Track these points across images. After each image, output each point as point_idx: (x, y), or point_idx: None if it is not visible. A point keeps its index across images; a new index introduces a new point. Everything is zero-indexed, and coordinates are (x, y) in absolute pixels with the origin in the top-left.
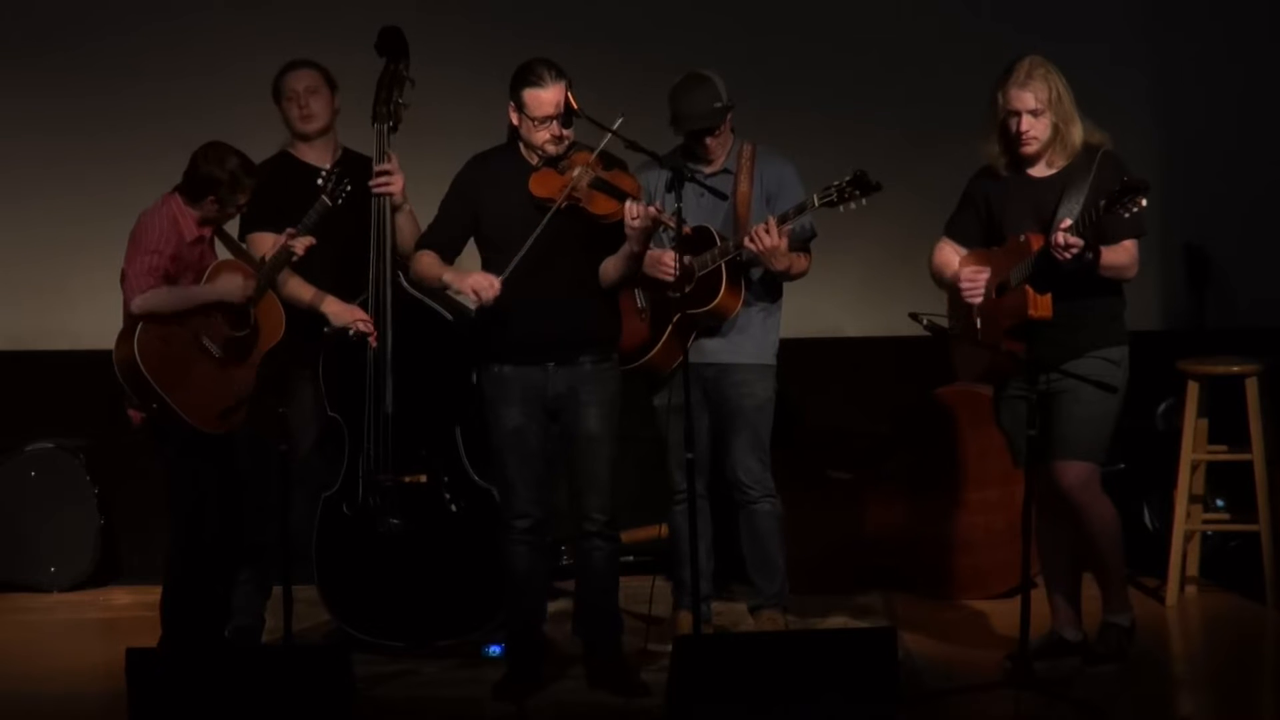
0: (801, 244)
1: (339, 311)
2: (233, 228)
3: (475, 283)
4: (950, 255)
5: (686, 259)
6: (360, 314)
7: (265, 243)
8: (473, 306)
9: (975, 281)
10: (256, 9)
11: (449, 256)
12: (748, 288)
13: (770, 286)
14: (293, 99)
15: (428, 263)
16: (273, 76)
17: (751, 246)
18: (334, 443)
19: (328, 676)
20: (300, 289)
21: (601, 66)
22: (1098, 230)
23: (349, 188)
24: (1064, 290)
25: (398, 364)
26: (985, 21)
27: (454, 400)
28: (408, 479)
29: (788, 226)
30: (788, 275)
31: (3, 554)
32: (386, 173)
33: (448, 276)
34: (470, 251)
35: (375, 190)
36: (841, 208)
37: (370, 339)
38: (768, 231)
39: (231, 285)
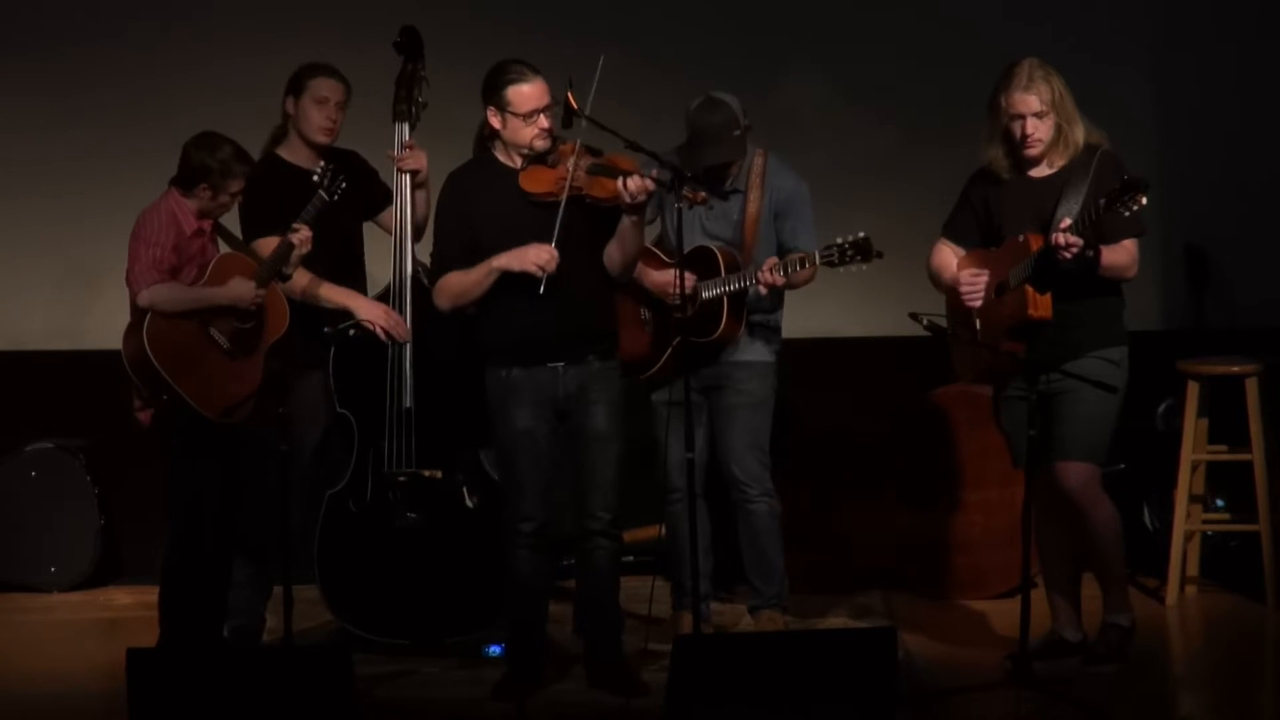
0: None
1: (363, 307)
2: (233, 223)
3: (536, 256)
4: (948, 257)
5: (691, 282)
6: (379, 310)
7: (270, 248)
8: (539, 278)
9: (974, 285)
10: (257, 3)
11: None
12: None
13: (769, 290)
14: (322, 104)
15: (457, 278)
16: (256, 68)
17: (763, 290)
18: (341, 440)
19: (328, 676)
20: (332, 291)
21: (602, 64)
22: (1098, 229)
23: (344, 184)
24: (1063, 290)
25: (416, 358)
26: (987, 22)
27: (473, 395)
28: (426, 473)
29: (786, 275)
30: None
31: (3, 554)
32: (409, 149)
33: (499, 262)
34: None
35: (402, 166)
36: (841, 269)
37: (379, 332)
38: (772, 272)
39: (241, 290)
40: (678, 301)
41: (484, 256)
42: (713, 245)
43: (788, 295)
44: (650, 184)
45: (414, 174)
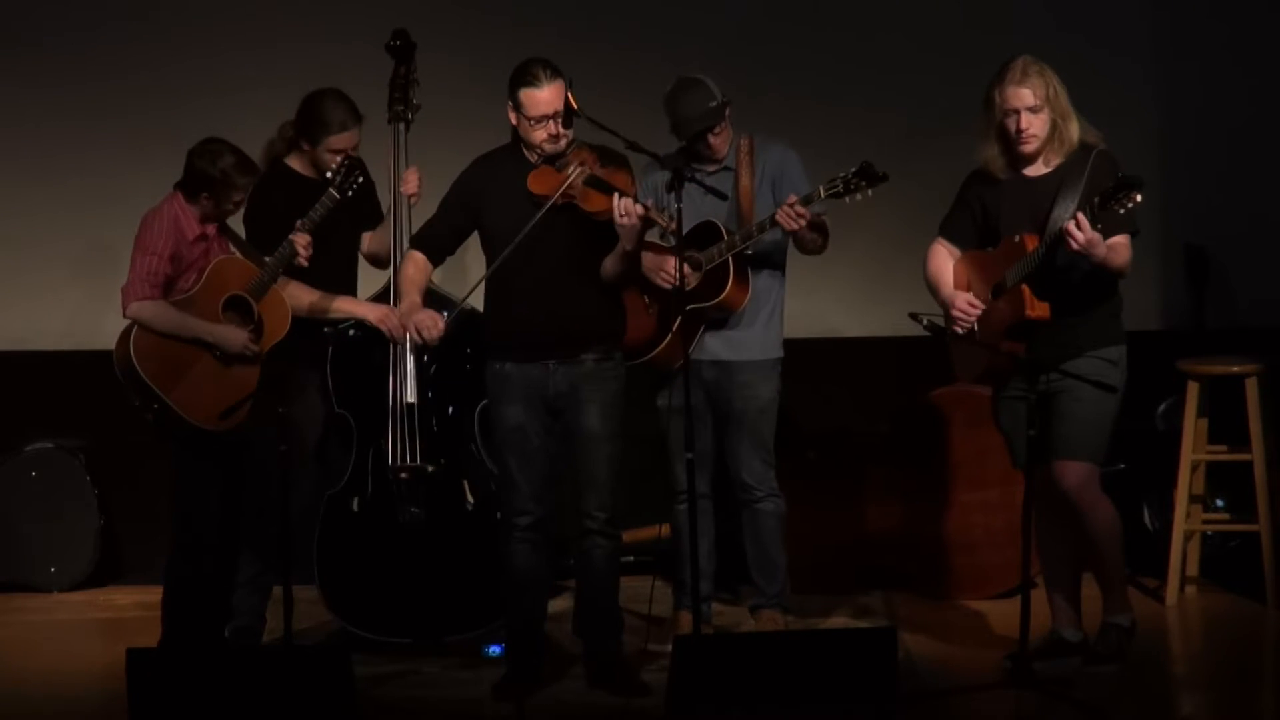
0: (814, 224)
1: (370, 312)
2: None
3: (419, 322)
4: (945, 262)
5: (692, 254)
6: (383, 311)
7: (291, 285)
8: (418, 343)
9: (967, 314)
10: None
11: (438, 257)
12: (752, 281)
13: (772, 283)
14: (337, 155)
15: (407, 274)
16: (260, 61)
17: (787, 223)
18: (340, 440)
19: (328, 676)
20: (342, 304)
21: (603, 62)
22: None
23: (360, 179)
24: (1061, 290)
25: (416, 354)
26: (988, 15)
27: (472, 391)
28: (430, 468)
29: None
30: (806, 249)
31: (3, 554)
32: (412, 173)
33: (403, 305)
34: (476, 255)
35: (404, 191)
36: (848, 199)
37: (389, 332)
38: (795, 209)
39: (235, 339)
40: (671, 285)
41: (488, 243)
42: (715, 220)
43: (788, 295)
44: (639, 209)
45: (411, 198)
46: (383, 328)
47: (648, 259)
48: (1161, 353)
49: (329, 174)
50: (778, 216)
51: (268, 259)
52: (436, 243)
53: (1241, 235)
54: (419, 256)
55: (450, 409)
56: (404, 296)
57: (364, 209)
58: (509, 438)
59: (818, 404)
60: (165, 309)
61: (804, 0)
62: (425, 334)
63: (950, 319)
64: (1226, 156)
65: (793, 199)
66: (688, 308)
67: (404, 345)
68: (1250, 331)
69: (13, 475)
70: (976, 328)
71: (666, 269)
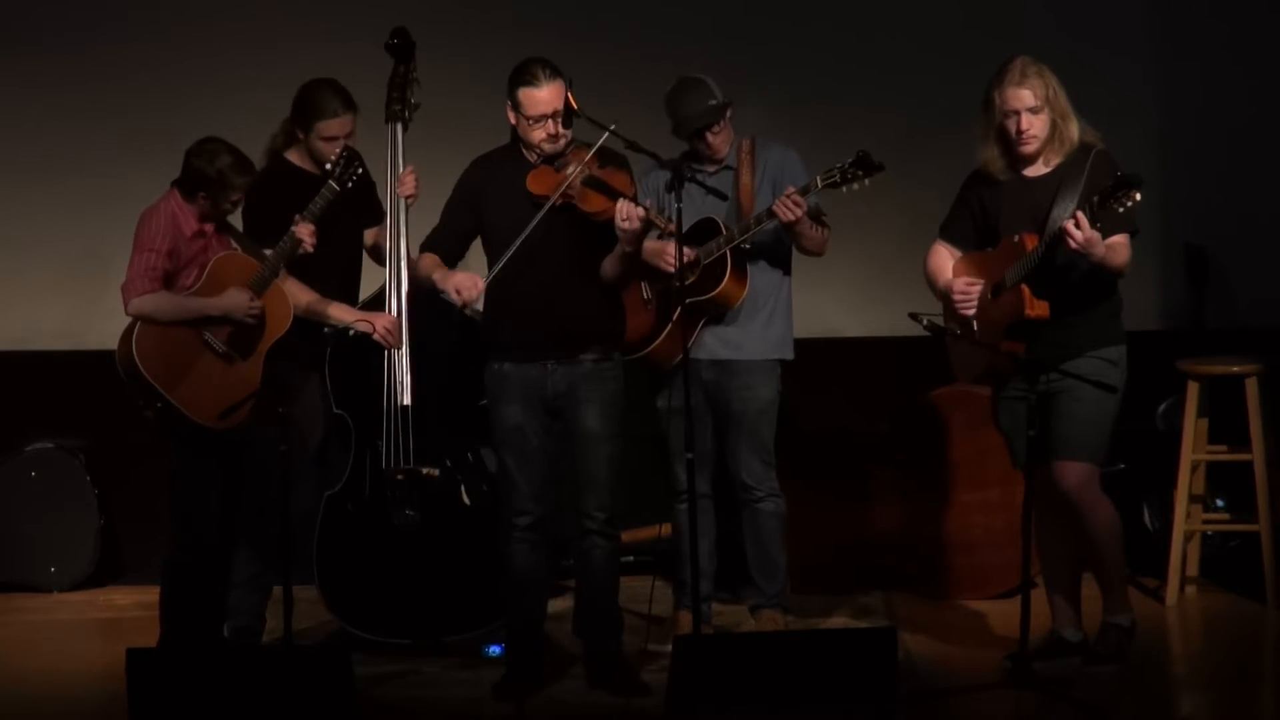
0: (814, 216)
1: (347, 317)
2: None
3: (458, 282)
4: (944, 260)
5: (691, 250)
6: (384, 319)
7: (289, 282)
8: (458, 305)
9: (968, 294)
10: None
11: (450, 261)
12: (752, 278)
13: (772, 281)
14: (332, 142)
15: (426, 265)
16: (253, 63)
17: (783, 213)
18: (338, 440)
19: (328, 676)
20: (338, 310)
21: (603, 63)
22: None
23: (359, 170)
24: (1060, 290)
25: (414, 356)
26: (987, 19)
27: (470, 393)
28: (424, 471)
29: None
30: (804, 247)
31: (3, 554)
32: (410, 174)
33: (436, 276)
34: (476, 256)
35: (400, 192)
36: (845, 189)
37: (375, 336)
38: (791, 199)
39: (236, 301)
40: (674, 270)
41: (488, 243)
42: (715, 217)
43: (793, 292)
44: (639, 212)
45: (408, 199)
46: (376, 335)
47: (649, 246)
48: (1161, 353)
49: (328, 166)
50: (774, 207)
51: (268, 253)
52: (447, 247)
53: (1241, 235)
54: (432, 256)
55: (447, 411)
56: (434, 272)
57: (365, 205)
58: (508, 438)
59: (818, 404)
60: (165, 298)
61: (804, 0)
62: (464, 294)
63: (950, 304)
64: (1226, 156)
65: (790, 190)
66: (685, 301)
67: (400, 352)
68: (1250, 331)
69: (13, 475)
70: (976, 325)
71: (669, 253)
